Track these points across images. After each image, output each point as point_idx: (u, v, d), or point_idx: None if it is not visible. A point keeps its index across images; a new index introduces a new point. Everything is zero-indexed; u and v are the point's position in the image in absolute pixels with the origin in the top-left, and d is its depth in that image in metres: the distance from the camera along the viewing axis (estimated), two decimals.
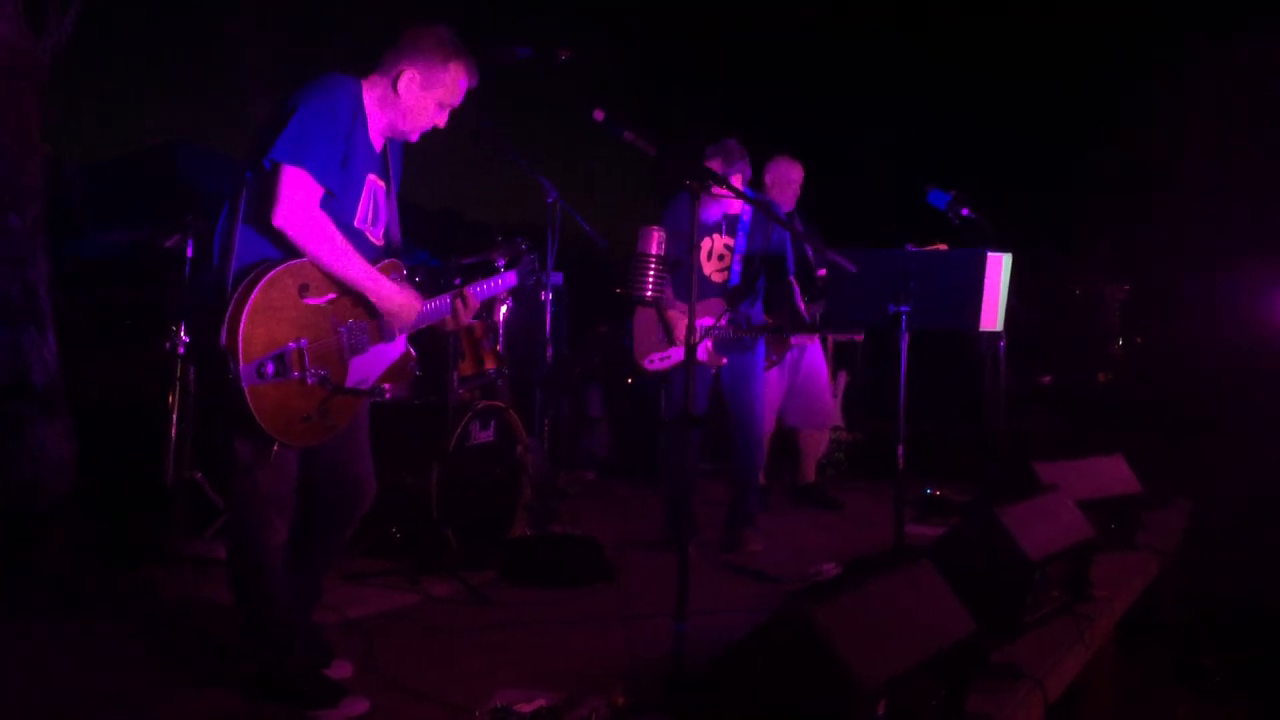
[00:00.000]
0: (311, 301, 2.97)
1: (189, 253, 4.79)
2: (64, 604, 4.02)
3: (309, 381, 2.94)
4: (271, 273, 2.88)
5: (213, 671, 3.30)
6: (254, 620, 3.11)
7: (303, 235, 2.91)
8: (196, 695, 3.16)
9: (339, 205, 3.03)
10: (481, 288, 3.51)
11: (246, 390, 2.80)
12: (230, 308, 2.82)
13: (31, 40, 4.85)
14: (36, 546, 4.46)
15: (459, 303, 3.39)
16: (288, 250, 2.94)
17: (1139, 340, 7.44)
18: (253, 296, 2.83)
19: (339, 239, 2.97)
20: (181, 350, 4.76)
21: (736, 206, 5.18)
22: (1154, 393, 7.33)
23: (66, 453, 4.85)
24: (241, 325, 2.81)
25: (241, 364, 2.80)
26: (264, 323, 2.85)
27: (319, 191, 2.94)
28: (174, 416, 4.75)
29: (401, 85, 3.11)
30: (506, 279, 3.77)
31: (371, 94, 3.11)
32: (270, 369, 2.86)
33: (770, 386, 5.81)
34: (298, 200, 2.89)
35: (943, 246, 4.97)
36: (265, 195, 2.90)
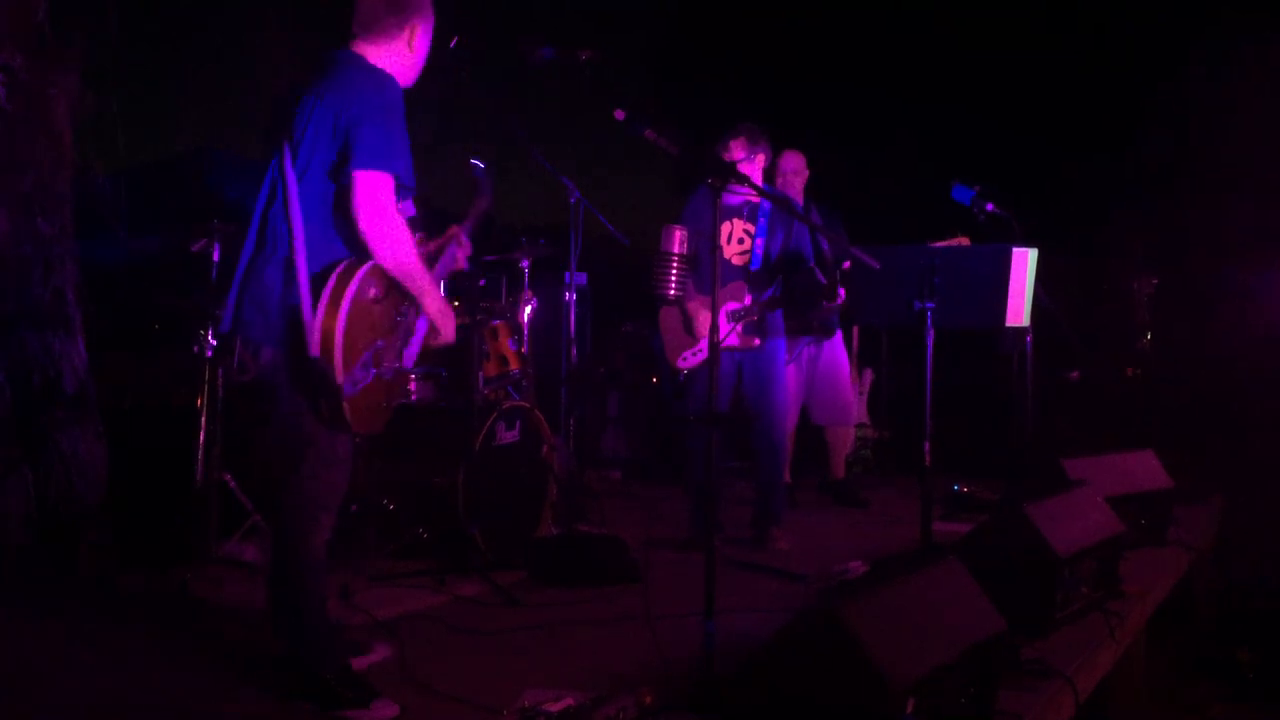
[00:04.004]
0: (378, 299, 3.02)
1: (215, 257, 4.82)
2: (96, 606, 4.06)
3: (386, 377, 3.04)
4: (356, 281, 2.92)
5: (244, 672, 3.32)
6: (297, 621, 3.10)
7: (385, 243, 2.95)
8: (229, 696, 3.18)
9: (404, 194, 3.08)
10: (466, 225, 3.51)
11: (347, 401, 2.88)
12: (321, 317, 2.87)
13: (60, 46, 4.90)
14: (69, 549, 4.50)
15: (456, 246, 3.40)
16: (355, 248, 2.98)
17: (1168, 334, 7.36)
18: (346, 307, 2.88)
19: (413, 246, 3.03)
20: (209, 354, 4.79)
21: (757, 195, 5.16)
22: (1184, 387, 7.26)
23: (97, 456, 4.89)
24: (339, 337, 2.87)
25: (341, 375, 2.86)
26: (355, 331, 2.92)
27: (395, 193, 2.99)
28: (202, 419, 4.78)
29: (416, 41, 3.16)
30: (478, 205, 3.68)
31: (392, 66, 3.13)
32: (360, 375, 2.94)
33: (788, 384, 5.79)
34: (383, 207, 2.94)
35: (964, 240, 4.94)
36: (347, 201, 2.94)
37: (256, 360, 3.07)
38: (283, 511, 3.12)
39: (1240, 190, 7.55)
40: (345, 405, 2.89)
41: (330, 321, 2.86)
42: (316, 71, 3.08)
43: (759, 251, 5.13)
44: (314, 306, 2.89)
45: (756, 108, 6.23)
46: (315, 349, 2.87)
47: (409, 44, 3.15)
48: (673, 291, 4.86)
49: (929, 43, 8.97)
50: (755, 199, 5.15)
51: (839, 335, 6.32)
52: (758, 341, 5.11)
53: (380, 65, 3.11)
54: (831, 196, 6.32)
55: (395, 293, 3.07)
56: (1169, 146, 8.00)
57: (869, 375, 7.32)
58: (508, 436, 4.84)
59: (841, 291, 5.40)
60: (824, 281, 5.52)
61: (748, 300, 5.07)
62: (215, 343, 4.69)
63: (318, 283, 2.92)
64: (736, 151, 5.03)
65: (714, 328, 3.23)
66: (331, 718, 3.03)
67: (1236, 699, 4.75)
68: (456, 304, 5.08)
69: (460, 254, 3.42)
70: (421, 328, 3.23)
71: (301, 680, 3.09)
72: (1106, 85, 8.44)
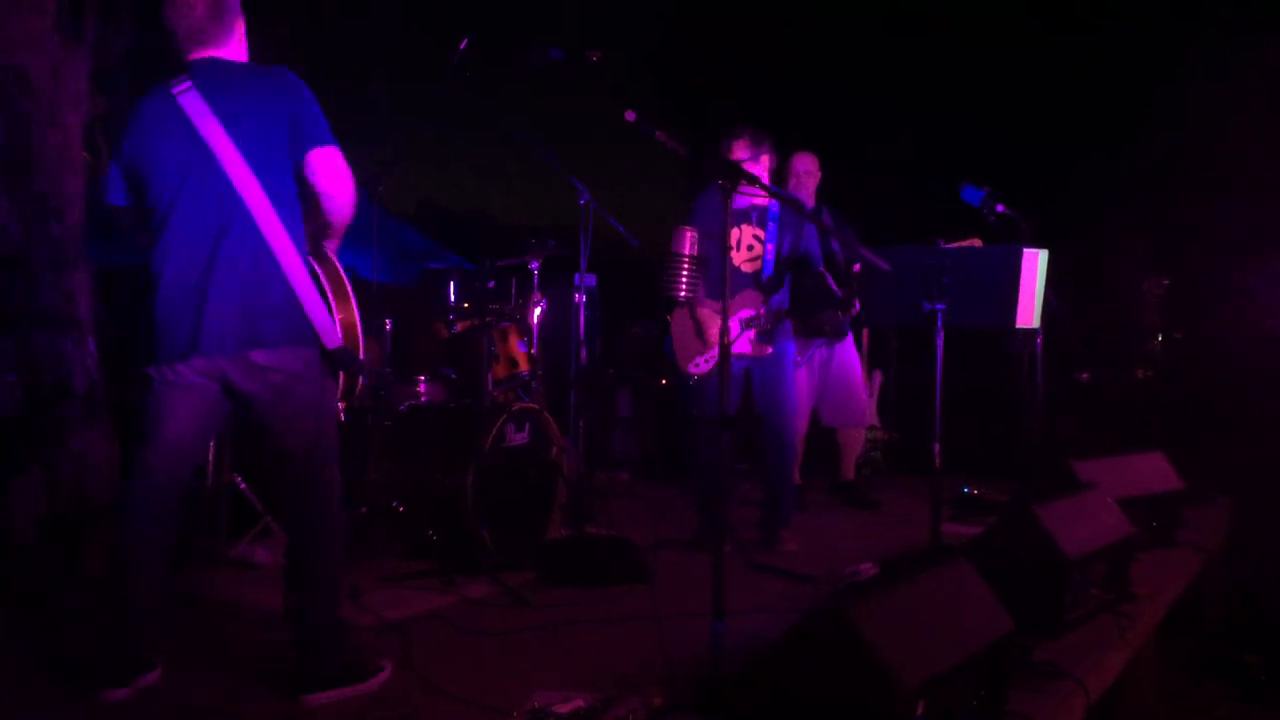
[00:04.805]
0: None
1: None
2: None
3: None
4: (342, 270, 3.24)
5: (252, 673, 3.33)
6: (328, 616, 3.20)
7: (347, 199, 3.21)
8: (236, 696, 3.19)
9: None
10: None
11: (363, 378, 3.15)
12: (339, 313, 3.16)
13: (72, 48, 4.91)
14: (77, 549, 4.51)
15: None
16: (309, 219, 3.20)
17: (1178, 336, 7.34)
18: (352, 293, 3.20)
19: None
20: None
21: (764, 198, 5.14)
22: (1194, 389, 7.24)
23: (107, 457, 4.91)
24: (359, 321, 3.19)
25: (363, 352, 3.18)
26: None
27: None
28: None
29: (243, 33, 3.27)
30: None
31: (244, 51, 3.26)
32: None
33: (799, 386, 5.78)
34: (345, 170, 3.16)
35: (976, 242, 4.93)
36: (312, 177, 3.13)
37: (250, 365, 3.08)
38: (324, 503, 3.18)
39: (1242, 190, 7.54)
40: (361, 378, 3.17)
41: (349, 314, 3.15)
42: (211, 82, 3.11)
43: (770, 258, 5.11)
44: (326, 305, 3.08)
45: (752, 109, 6.22)
46: (336, 340, 3.07)
47: (240, 39, 3.26)
48: (683, 293, 4.86)
49: (925, 44, 8.96)
50: (762, 203, 5.13)
51: (850, 337, 6.32)
52: (770, 350, 5.09)
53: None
54: (828, 196, 6.31)
55: None
56: (1167, 146, 7.98)
57: (879, 377, 7.31)
58: (517, 438, 4.84)
59: (856, 303, 5.40)
60: (839, 293, 5.50)
61: (760, 309, 5.05)
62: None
63: (313, 269, 3.13)
64: (739, 152, 4.99)
65: (724, 329, 3.23)
66: (334, 694, 3.11)
67: (1245, 700, 4.74)
68: (466, 305, 5.07)
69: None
70: None
71: (329, 670, 3.15)
72: (1103, 86, 8.44)
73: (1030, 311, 4.16)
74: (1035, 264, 4.15)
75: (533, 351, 5.27)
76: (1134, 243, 8.06)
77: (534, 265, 5.50)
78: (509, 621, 3.93)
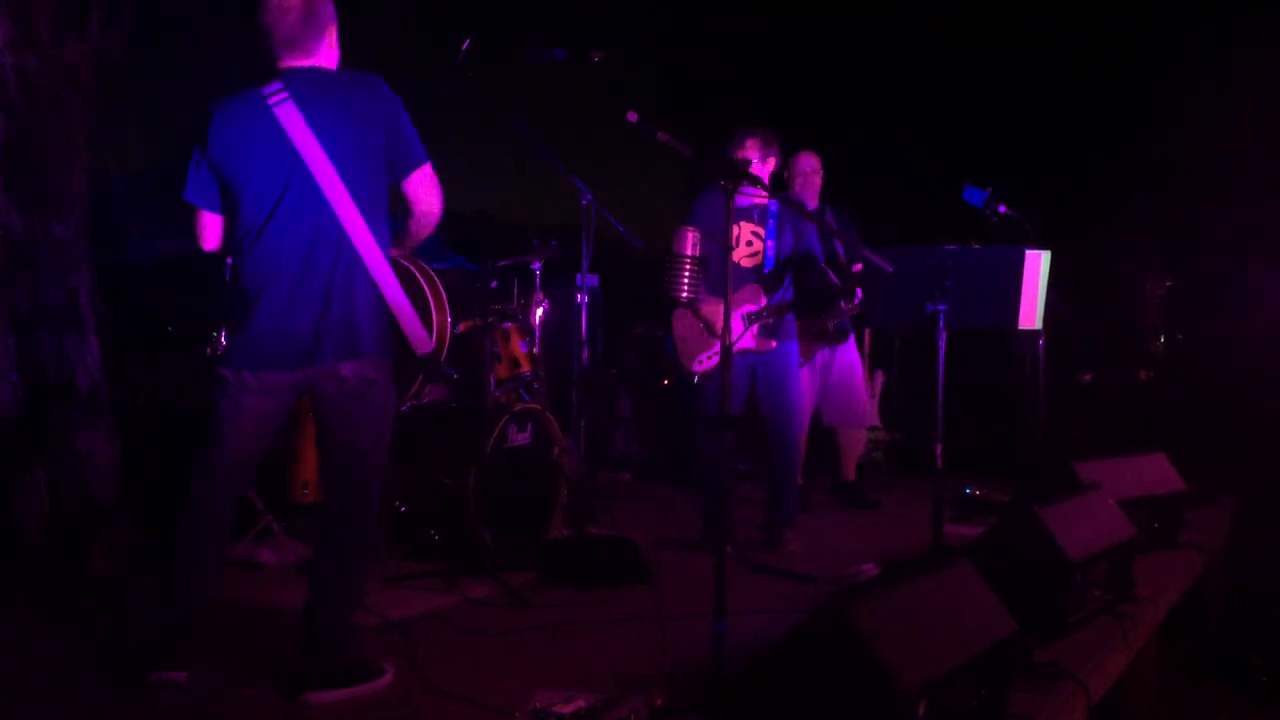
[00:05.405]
0: None
1: (229, 260, 4.84)
2: (113, 606, 4.07)
3: None
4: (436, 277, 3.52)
5: (255, 673, 3.33)
6: (339, 617, 3.24)
7: (439, 211, 3.28)
8: (236, 696, 3.19)
9: None
10: None
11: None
12: (436, 317, 3.44)
13: (74, 47, 4.92)
14: (82, 549, 4.52)
15: None
16: (394, 235, 3.27)
17: (1181, 336, 7.33)
18: (447, 301, 3.46)
19: None
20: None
21: (765, 196, 5.14)
22: (1195, 390, 7.23)
23: (110, 457, 4.91)
24: (449, 326, 3.49)
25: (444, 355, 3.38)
26: None
27: None
28: None
29: (335, 40, 3.24)
30: None
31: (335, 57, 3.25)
32: None
33: (802, 387, 5.78)
34: (439, 183, 3.24)
35: (977, 245, 4.92)
36: (414, 192, 3.20)
37: (338, 376, 3.13)
38: (365, 507, 3.23)
39: (1242, 189, 7.53)
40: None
41: (444, 318, 3.44)
42: (307, 93, 3.08)
43: (769, 254, 5.12)
44: (424, 311, 3.32)
45: (749, 105, 6.21)
46: (428, 345, 3.16)
47: (332, 44, 3.23)
48: (685, 294, 4.86)
49: (923, 41, 8.94)
50: (762, 201, 5.13)
51: (852, 338, 6.32)
52: (774, 344, 5.09)
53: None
54: (827, 195, 6.31)
55: None
56: (1167, 145, 7.96)
57: (880, 377, 7.31)
58: (519, 438, 4.85)
59: (859, 291, 5.40)
60: (838, 283, 5.51)
61: (763, 302, 5.06)
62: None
63: (411, 289, 3.24)
64: (751, 150, 5.00)
65: (726, 329, 3.23)
66: (335, 695, 3.11)
67: (1247, 701, 4.73)
68: (468, 305, 5.10)
69: None
70: None
71: (335, 668, 3.17)
72: (1102, 83, 8.41)
73: (1033, 313, 4.17)
74: (1038, 265, 4.16)
75: (535, 352, 5.27)
76: (1134, 242, 8.05)
77: (536, 265, 5.51)
78: (510, 621, 3.93)
